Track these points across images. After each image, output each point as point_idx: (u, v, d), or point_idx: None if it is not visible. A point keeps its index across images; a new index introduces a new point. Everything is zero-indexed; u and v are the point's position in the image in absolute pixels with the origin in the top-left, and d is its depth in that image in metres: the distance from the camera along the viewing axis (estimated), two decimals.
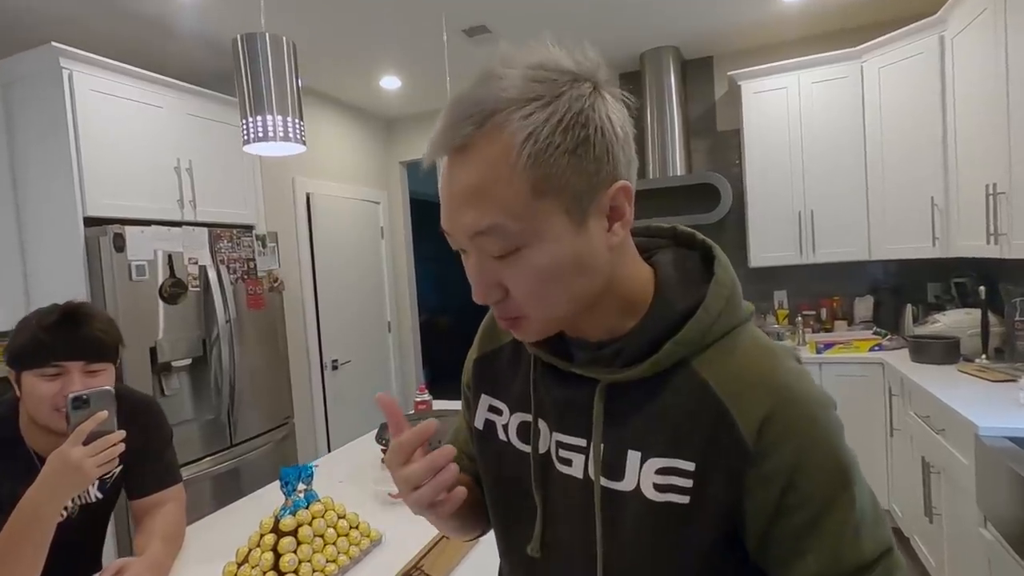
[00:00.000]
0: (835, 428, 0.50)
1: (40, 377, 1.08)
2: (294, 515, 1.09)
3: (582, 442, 0.56)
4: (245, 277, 2.72)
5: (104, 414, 1.02)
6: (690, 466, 0.50)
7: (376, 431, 1.74)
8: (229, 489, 2.54)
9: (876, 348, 2.73)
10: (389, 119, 4.38)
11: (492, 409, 0.67)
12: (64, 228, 2.22)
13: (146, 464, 1.27)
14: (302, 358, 3.44)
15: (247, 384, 2.70)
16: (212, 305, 2.52)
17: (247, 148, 1.12)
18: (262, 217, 3.05)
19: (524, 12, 2.70)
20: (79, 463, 0.98)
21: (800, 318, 3.13)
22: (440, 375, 5.37)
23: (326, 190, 3.71)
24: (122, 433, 1.05)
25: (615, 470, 0.54)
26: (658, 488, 0.51)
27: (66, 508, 1.15)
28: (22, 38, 2.47)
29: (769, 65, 3.05)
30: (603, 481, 0.54)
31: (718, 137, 3.48)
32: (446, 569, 1.10)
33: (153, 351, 2.31)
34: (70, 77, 2.19)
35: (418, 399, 2.00)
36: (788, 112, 3.03)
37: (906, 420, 2.33)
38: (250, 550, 1.07)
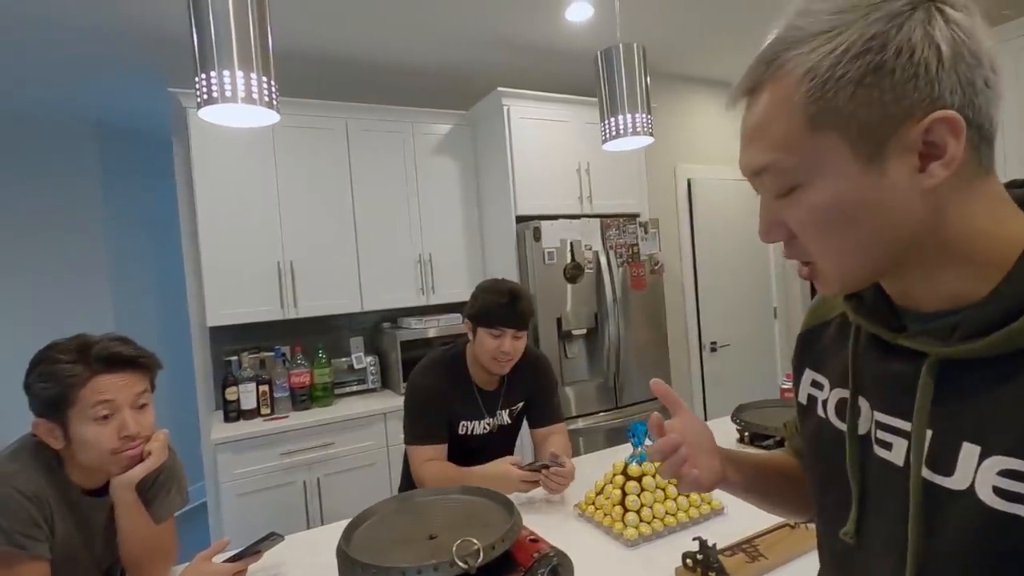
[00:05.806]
0: None
1: (488, 334, 1.52)
2: (640, 464, 1.25)
3: (906, 425, 0.49)
4: (629, 261, 3.04)
5: None
6: None
7: (732, 411, 1.74)
8: (617, 441, 2.93)
9: None
10: None
11: (814, 384, 0.65)
12: (503, 224, 2.97)
13: (540, 402, 1.64)
14: (681, 338, 3.61)
15: (631, 356, 3.03)
16: (603, 285, 2.93)
17: (605, 147, 1.31)
18: (646, 205, 3.33)
19: None
20: None
21: None
22: None
23: (708, 174, 3.75)
24: None
25: (943, 463, 0.46)
26: (1001, 494, 0.42)
27: (489, 425, 1.61)
28: (478, 88, 3.36)
29: None
30: (926, 473, 0.47)
31: None
32: (785, 556, 1.07)
33: (559, 321, 2.86)
34: (508, 110, 2.89)
35: (784, 386, 1.88)
36: None
37: None
38: (605, 485, 1.28)
